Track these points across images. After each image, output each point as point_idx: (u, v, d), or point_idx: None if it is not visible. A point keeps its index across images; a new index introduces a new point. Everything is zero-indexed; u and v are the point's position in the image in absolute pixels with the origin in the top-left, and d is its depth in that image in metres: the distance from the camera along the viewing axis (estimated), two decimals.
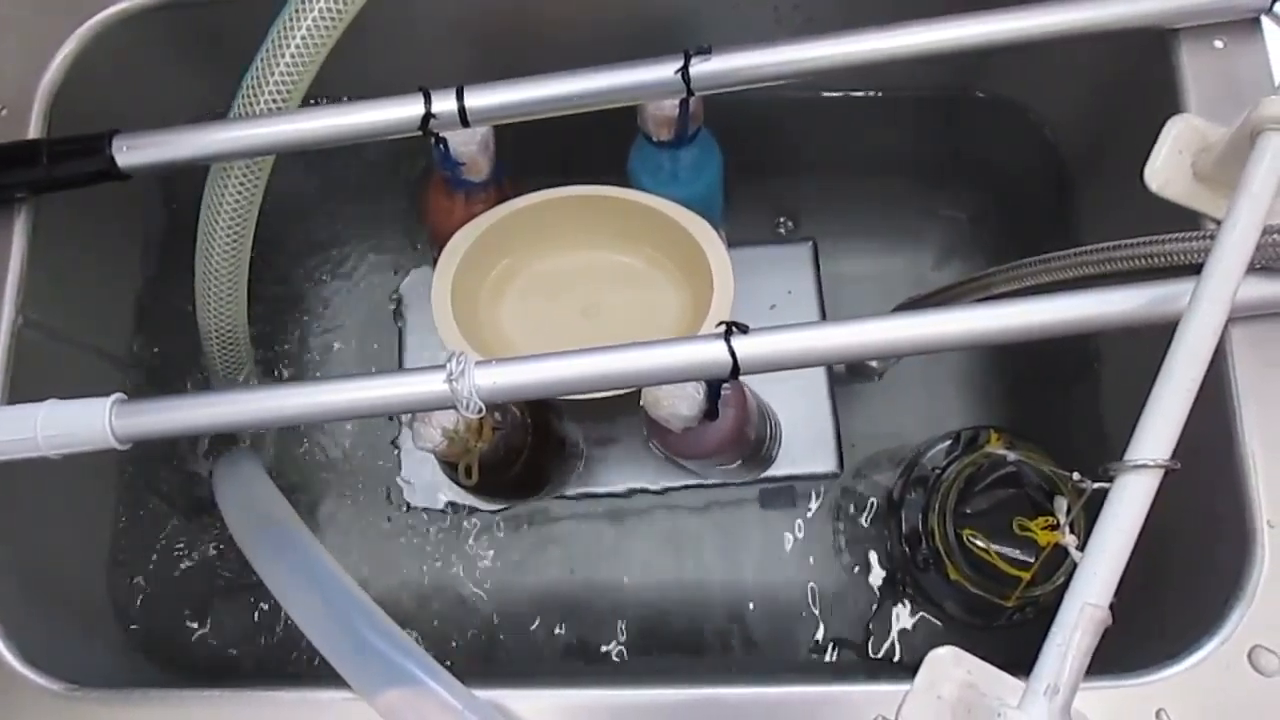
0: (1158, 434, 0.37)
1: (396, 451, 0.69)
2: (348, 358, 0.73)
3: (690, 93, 0.50)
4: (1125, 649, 0.46)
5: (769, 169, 0.73)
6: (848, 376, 0.71)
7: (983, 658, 0.37)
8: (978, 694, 0.38)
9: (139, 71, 0.62)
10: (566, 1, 0.62)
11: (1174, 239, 0.45)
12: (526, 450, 0.56)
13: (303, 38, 0.50)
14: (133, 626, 0.62)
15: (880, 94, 0.70)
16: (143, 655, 0.61)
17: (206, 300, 0.57)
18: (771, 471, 0.67)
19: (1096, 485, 0.38)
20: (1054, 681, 0.34)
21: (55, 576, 0.58)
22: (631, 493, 0.67)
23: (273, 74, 0.51)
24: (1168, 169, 0.48)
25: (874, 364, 0.69)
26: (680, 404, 0.50)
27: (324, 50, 0.51)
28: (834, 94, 0.70)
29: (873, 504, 0.67)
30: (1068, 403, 0.67)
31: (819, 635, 0.65)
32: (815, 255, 0.71)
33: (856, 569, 0.67)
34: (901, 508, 0.60)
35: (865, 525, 0.67)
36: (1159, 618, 0.50)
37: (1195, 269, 0.40)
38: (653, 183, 0.61)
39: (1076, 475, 0.42)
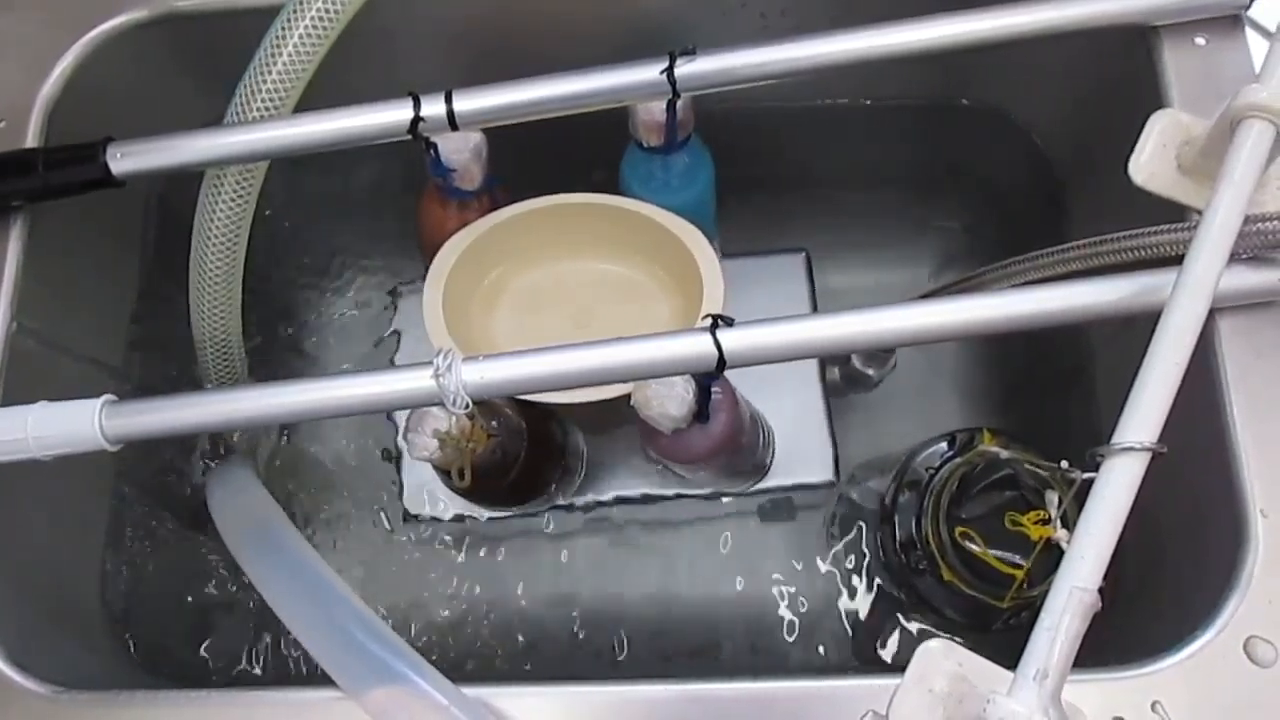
0: (1144, 417, 0.37)
1: (392, 459, 0.69)
2: (346, 367, 0.73)
3: (676, 94, 0.50)
4: (1119, 641, 0.46)
5: (761, 181, 0.73)
6: (844, 386, 0.70)
7: None
8: (969, 685, 0.37)
9: (137, 85, 0.62)
10: (554, 13, 0.63)
11: (1158, 231, 0.45)
12: (522, 456, 0.55)
13: (294, 46, 0.51)
14: (123, 630, 0.62)
15: (867, 102, 0.71)
16: (132, 659, 0.61)
17: (201, 308, 0.57)
18: (767, 482, 0.67)
19: (1086, 475, 0.38)
20: (1043, 666, 0.34)
21: (46, 580, 0.58)
22: (628, 501, 0.67)
23: (265, 82, 0.51)
24: (1152, 163, 0.48)
25: (870, 373, 0.69)
26: (669, 404, 0.50)
27: (316, 58, 0.52)
28: (821, 103, 0.71)
29: (869, 512, 0.67)
30: (1063, 408, 0.67)
31: (815, 643, 0.65)
32: (809, 267, 0.72)
33: (853, 576, 0.66)
34: (895, 511, 0.60)
35: (861, 533, 0.67)
36: (1153, 609, 0.50)
37: (1181, 260, 0.40)
38: (644, 190, 0.61)
39: (1065, 464, 0.41)
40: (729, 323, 0.44)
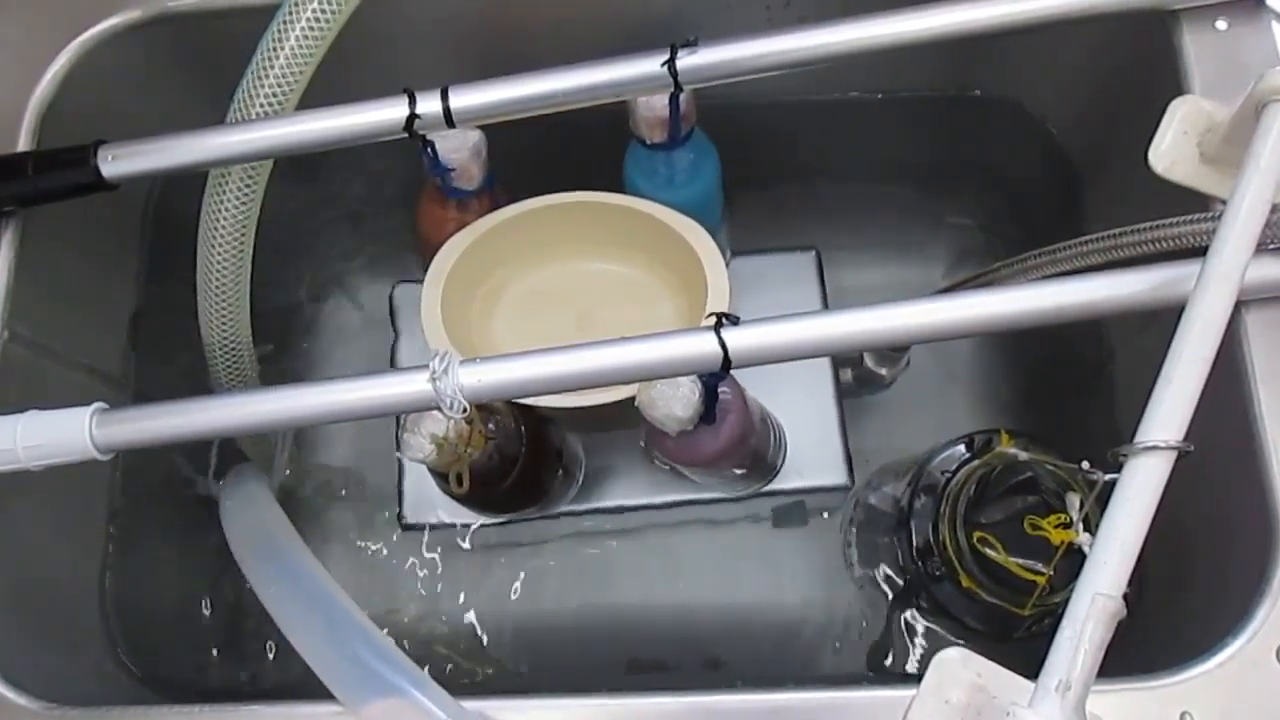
0: (1169, 414, 0.35)
1: (395, 468, 0.68)
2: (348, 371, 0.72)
3: (678, 87, 0.49)
4: (1147, 649, 0.44)
5: (770, 178, 0.72)
6: (857, 387, 0.69)
7: None
8: (988, 696, 0.36)
9: (131, 87, 0.62)
10: (553, 8, 0.62)
11: (1181, 222, 0.43)
12: (521, 460, 0.54)
13: (291, 49, 0.50)
14: (121, 647, 0.61)
15: (877, 96, 0.70)
16: (130, 674, 0.60)
17: (210, 314, 0.56)
18: (779, 485, 0.65)
19: (1109, 477, 0.36)
20: (1066, 676, 0.33)
21: (43, 595, 0.57)
22: (632, 508, 0.66)
23: (264, 85, 0.50)
24: (1173, 151, 0.47)
25: (883, 372, 0.68)
26: (675, 405, 0.49)
27: (314, 60, 0.51)
28: (830, 97, 0.70)
29: (884, 516, 0.65)
30: (1083, 408, 0.66)
31: (830, 652, 0.63)
32: (819, 265, 0.70)
33: (868, 582, 0.65)
34: (911, 516, 0.58)
35: (876, 537, 0.65)
36: (1181, 616, 0.49)
37: (1205, 252, 0.39)
38: (649, 187, 0.60)
39: (1086, 465, 0.40)
40: (734, 321, 0.42)
